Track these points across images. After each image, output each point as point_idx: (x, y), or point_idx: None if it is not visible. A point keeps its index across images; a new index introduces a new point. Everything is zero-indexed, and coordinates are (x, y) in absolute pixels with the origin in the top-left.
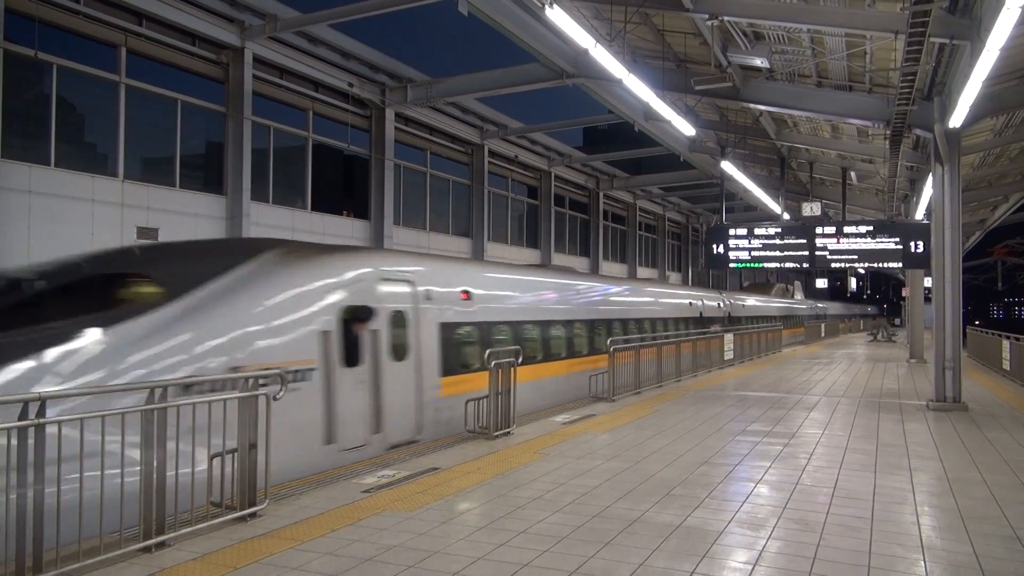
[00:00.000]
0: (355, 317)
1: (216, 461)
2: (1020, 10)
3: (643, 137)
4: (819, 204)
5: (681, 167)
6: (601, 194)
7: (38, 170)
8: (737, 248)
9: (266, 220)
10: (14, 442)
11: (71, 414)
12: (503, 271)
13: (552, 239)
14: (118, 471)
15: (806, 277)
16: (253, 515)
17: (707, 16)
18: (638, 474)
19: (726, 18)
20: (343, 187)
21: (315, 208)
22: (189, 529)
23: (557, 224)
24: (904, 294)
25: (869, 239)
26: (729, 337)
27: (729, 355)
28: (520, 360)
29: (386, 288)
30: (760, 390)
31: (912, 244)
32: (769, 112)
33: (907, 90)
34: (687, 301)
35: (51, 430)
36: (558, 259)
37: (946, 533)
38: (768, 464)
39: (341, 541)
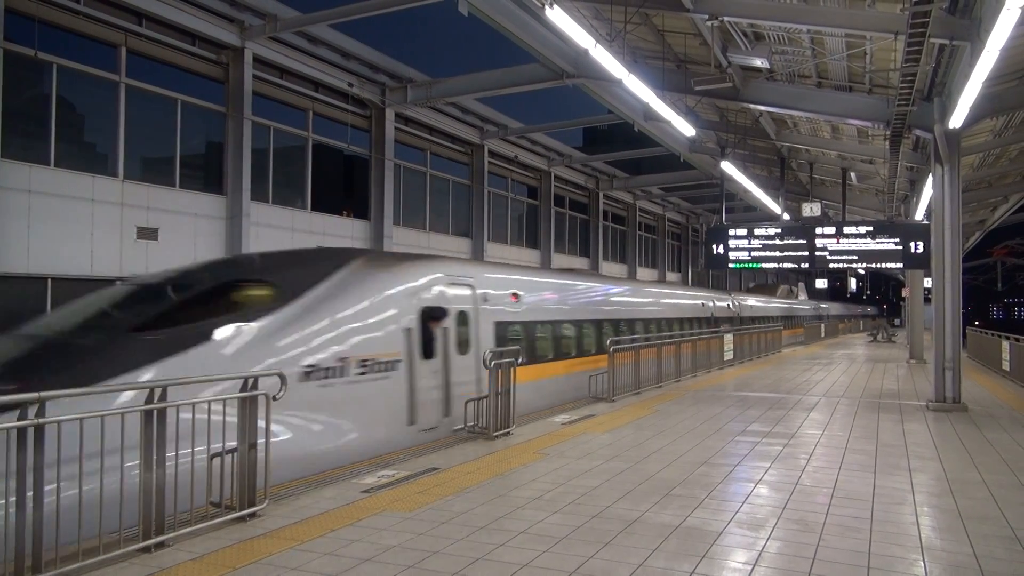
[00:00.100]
0: (431, 316)
1: (216, 461)
2: (1020, 11)
3: (643, 137)
4: (819, 204)
5: (681, 167)
6: (601, 194)
7: (38, 170)
8: (737, 248)
9: (266, 220)
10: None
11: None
12: (544, 275)
13: (552, 239)
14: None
15: (806, 278)
16: (253, 515)
17: (707, 16)
18: (638, 474)
19: (726, 18)
20: (343, 187)
21: (315, 208)
22: (188, 529)
23: (557, 224)
24: (904, 295)
25: (869, 239)
26: (729, 337)
27: (729, 355)
28: (552, 356)
29: (453, 291)
30: (760, 390)
31: (912, 244)
32: (769, 113)
33: (907, 91)
34: (700, 302)
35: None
36: (558, 259)
37: (945, 534)
38: (768, 464)
39: (341, 541)
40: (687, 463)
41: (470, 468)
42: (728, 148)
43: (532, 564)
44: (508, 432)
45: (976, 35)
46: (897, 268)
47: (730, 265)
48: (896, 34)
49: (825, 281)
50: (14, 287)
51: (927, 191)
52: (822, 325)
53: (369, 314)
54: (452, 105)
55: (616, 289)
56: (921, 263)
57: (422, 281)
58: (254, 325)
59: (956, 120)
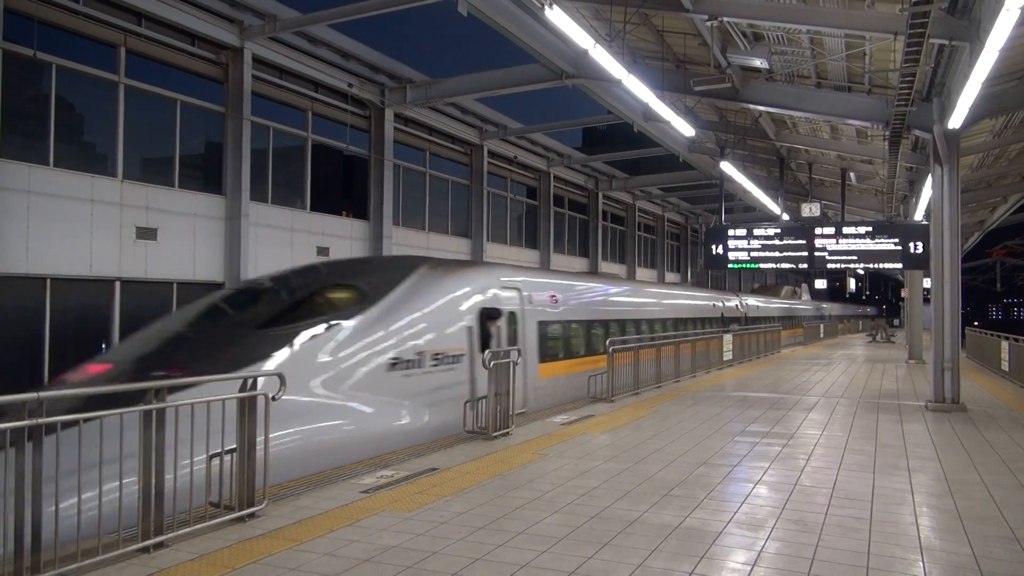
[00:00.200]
0: (488, 316)
1: (214, 461)
2: (1019, 11)
3: (642, 138)
4: (818, 205)
5: (680, 168)
6: (600, 194)
7: (37, 170)
8: (736, 249)
9: (265, 220)
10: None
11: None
12: (576, 279)
13: (551, 239)
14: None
15: (805, 278)
16: (252, 515)
17: (707, 17)
18: (637, 475)
19: (725, 19)
20: (342, 187)
21: (314, 208)
22: (187, 529)
23: (556, 224)
24: (903, 295)
25: (868, 240)
26: (728, 338)
27: (728, 356)
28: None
29: (504, 294)
30: (759, 391)
31: (911, 245)
32: (768, 113)
33: (906, 91)
34: (711, 303)
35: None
36: (557, 260)
37: (945, 534)
38: (767, 465)
39: (340, 542)
40: (686, 463)
41: (469, 468)
42: (727, 148)
43: (531, 564)
44: (507, 432)
45: (975, 35)
46: (896, 268)
47: (729, 265)
48: (895, 34)
49: (824, 281)
50: (13, 287)
51: (926, 191)
52: (821, 325)
53: (439, 314)
54: (451, 105)
55: (640, 291)
56: (920, 263)
57: (480, 285)
58: (351, 322)
59: (955, 120)
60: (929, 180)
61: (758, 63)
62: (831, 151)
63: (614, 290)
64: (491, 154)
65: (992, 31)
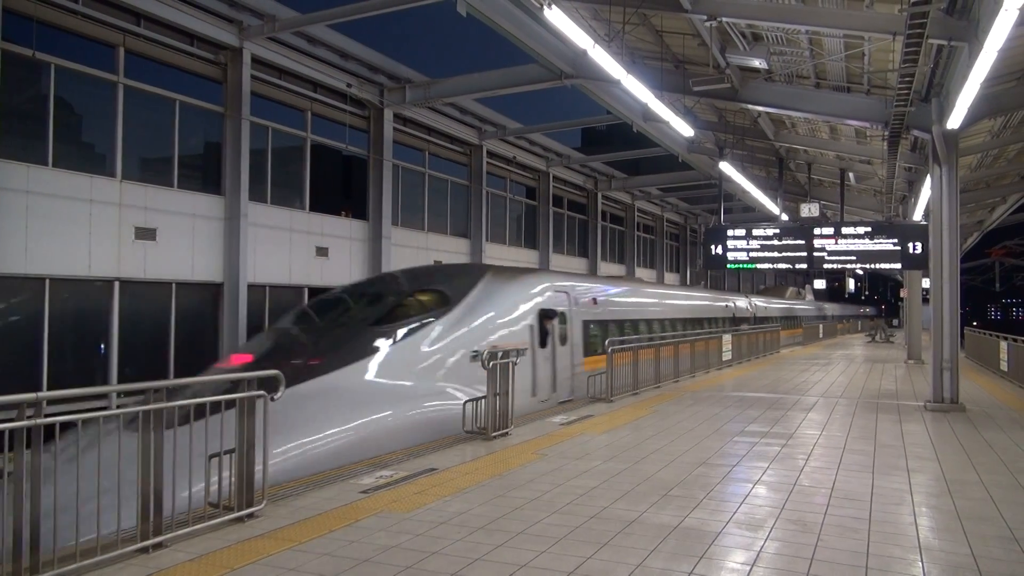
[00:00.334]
0: (545, 316)
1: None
2: (1018, 12)
3: (641, 138)
4: (817, 205)
5: (679, 168)
6: (599, 195)
7: (36, 170)
8: (735, 249)
9: (264, 220)
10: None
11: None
12: (610, 283)
13: (550, 240)
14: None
15: (804, 278)
16: (251, 516)
17: (706, 17)
18: (636, 475)
19: (724, 19)
20: (341, 187)
21: (313, 208)
22: (186, 530)
23: (555, 225)
24: (902, 295)
25: (867, 240)
26: (727, 338)
27: (727, 356)
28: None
29: (556, 297)
30: (758, 391)
31: (910, 245)
32: (767, 113)
33: (905, 91)
34: (724, 304)
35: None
36: (556, 260)
37: (944, 534)
38: (766, 465)
39: (338, 542)
40: (685, 463)
41: (468, 469)
42: (726, 149)
43: (530, 564)
44: (506, 432)
45: (974, 36)
46: (895, 268)
47: (728, 265)
48: (894, 35)
49: (823, 281)
50: (12, 287)
51: (925, 192)
52: (821, 325)
53: (508, 314)
54: (450, 105)
55: (665, 294)
56: (919, 264)
57: (538, 289)
58: (441, 321)
59: (954, 121)
60: (928, 180)
61: (757, 63)
62: (830, 151)
63: (642, 293)
64: (490, 154)
65: (991, 31)
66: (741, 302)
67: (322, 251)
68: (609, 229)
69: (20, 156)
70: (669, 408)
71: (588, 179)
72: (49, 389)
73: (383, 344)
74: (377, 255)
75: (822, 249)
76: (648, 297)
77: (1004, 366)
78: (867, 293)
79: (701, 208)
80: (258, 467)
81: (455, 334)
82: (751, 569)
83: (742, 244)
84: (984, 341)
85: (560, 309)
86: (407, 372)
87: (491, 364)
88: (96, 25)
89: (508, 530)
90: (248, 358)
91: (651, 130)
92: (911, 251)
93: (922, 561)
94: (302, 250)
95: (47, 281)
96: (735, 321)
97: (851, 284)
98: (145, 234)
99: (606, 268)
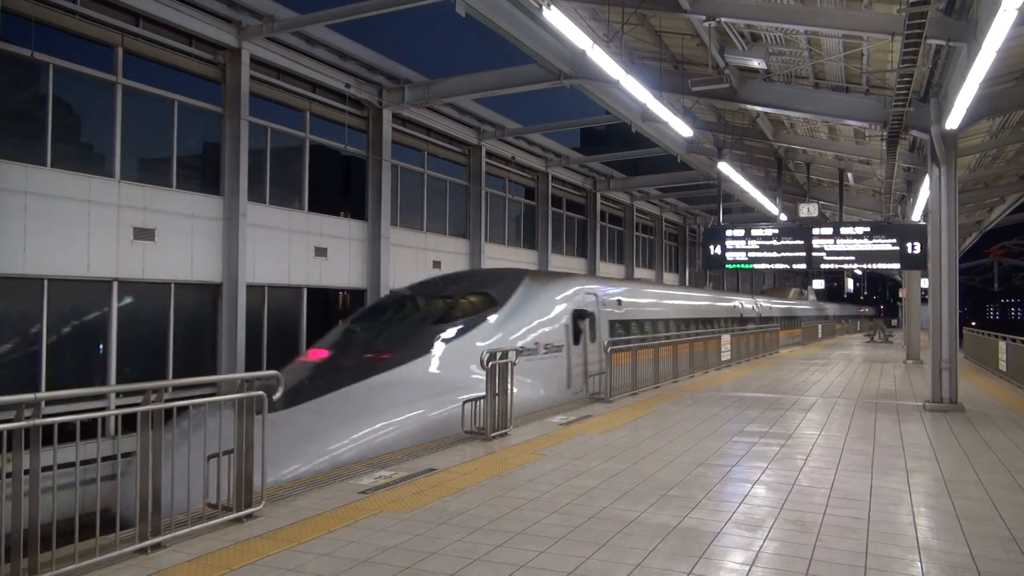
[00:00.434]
0: (578, 316)
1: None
2: (1016, 12)
3: (640, 138)
4: (816, 205)
5: (678, 168)
6: (598, 195)
7: (34, 170)
8: (734, 249)
9: (263, 221)
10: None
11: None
12: (631, 285)
13: (549, 240)
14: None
15: (803, 279)
16: (249, 516)
17: (704, 17)
18: (635, 475)
19: (723, 19)
20: (340, 188)
21: (312, 208)
22: (185, 530)
23: (554, 225)
24: (901, 295)
25: (866, 240)
26: (726, 338)
27: (726, 356)
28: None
29: (587, 299)
30: (757, 391)
31: (909, 245)
32: (766, 113)
33: (904, 92)
34: (734, 304)
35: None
36: (555, 260)
37: (942, 534)
38: (765, 465)
39: (338, 542)
40: (684, 464)
41: (467, 469)
42: (725, 149)
43: (529, 565)
44: (505, 433)
45: (973, 36)
46: (894, 269)
47: (727, 265)
48: (893, 35)
49: (822, 282)
50: (10, 288)
51: (924, 192)
52: (820, 325)
53: (546, 314)
54: (449, 106)
55: (679, 295)
56: (918, 264)
57: (571, 292)
58: (492, 319)
59: (953, 121)
60: (927, 180)
61: (756, 63)
62: (829, 151)
63: (660, 295)
64: (489, 154)
65: (989, 32)
66: (748, 303)
67: (321, 251)
68: (608, 229)
69: (18, 156)
70: (668, 408)
71: (587, 179)
72: (48, 390)
73: (443, 340)
74: (376, 255)
75: (821, 249)
76: (665, 299)
77: (1003, 366)
78: (866, 293)
79: (700, 208)
80: (298, 466)
81: (503, 331)
82: (750, 569)
83: (741, 244)
84: (983, 341)
85: (590, 310)
86: (465, 365)
87: (490, 364)
88: (94, 25)
89: (507, 530)
90: (324, 353)
91: (650, 130)
92: (910, 251)
93: (921, 561)
94: (301, 250)
95: (45, 282)
96: (742, 321)
97: (850, 284)
98: (144, 234)
99: (605, 268)
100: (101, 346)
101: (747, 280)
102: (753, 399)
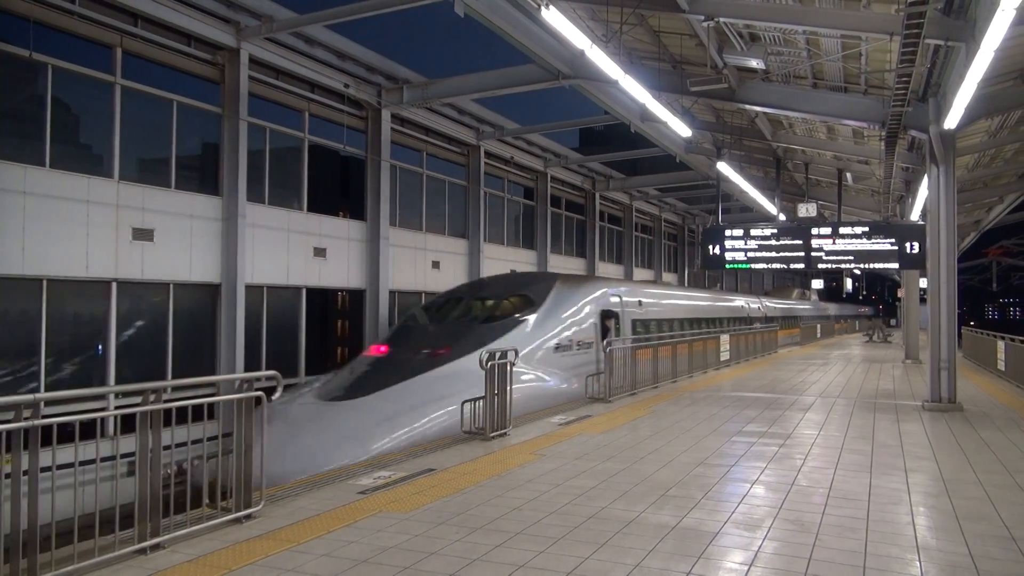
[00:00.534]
0: (605, 315)
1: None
2: (1015, 12)
3: (639, 138)
4: (815, 205)
5: (677, 168)
6: (597, 195)
7: (33, 171)
8: (733, 249)
9: (262, 221)
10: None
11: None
12: (650, 287)
13: (548, 240)
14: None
15: (802, 279)
16: (249, 516)
17: (703, 17)
18: (634, 475)
19: (722, 19)
20: (339, 188)
21: (311, 209)
22: (185, 531)
23: (553, 225)
24: (900, 295)
25: (865, 240)
26: (725, 338)
27: (725, 356)
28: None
29: (612, 299)
30: (756, 391)
31: (907, 245)
32: (765, 113)
33: (902, 91)
34: (742, 304)
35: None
36: (554, 260)
37: (941, 534)
38: (764, 465)
39: (337, 542)
40: (683, 463)
41: (467, 469)
42: (724, 149)
43: (529, 565)
44: (505, 433)
45: (971, 36)
46: (893, 268)
47: (726, 265)
48: (891, 35)
49: (821, 282)
50: (9, 289)
51: (923, 191)
52: (818, 325)
53: (579, 314)
54: (448, 106)
55: (692, 296)
56: (917, 263)
57: (598, 293)
58: (531, 318)
59: (951, 121)
60: (925, 180)
61: (754, 64)
62: (827, 151)
63: (674, 296)
64: (488, 155)
65: (988, 31)
66: (754, 303)
67: (320, 252)
68: (607, 229)
69: (17, 157)
70: (667, 408)
71: (586, 179)
72: (47, 390)
73: (491, 337)
74: (375, 255)
75: (819, 249)
76: (679, 299)
77: (1001, 366)
78: (864, 293)
79: (699, 208)
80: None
81: (542, 330)
82: (749, 569)
83: (740, 244)
84: (982, 341)
85: (615, 310)
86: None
87: (488, 364)
88: (93, 26)
89: (506, 530)
90: (384, 348)
91: (649, 130)
92: (908, 251)
93: (920, 561)
94: (300, 251)
95: (44, 282)
96: (749, 320)
97: (848, 284)
98: (142, 235)
99: (604, 268)
100: (100, 346)
101: (745, 280)
102: (752, 399)
